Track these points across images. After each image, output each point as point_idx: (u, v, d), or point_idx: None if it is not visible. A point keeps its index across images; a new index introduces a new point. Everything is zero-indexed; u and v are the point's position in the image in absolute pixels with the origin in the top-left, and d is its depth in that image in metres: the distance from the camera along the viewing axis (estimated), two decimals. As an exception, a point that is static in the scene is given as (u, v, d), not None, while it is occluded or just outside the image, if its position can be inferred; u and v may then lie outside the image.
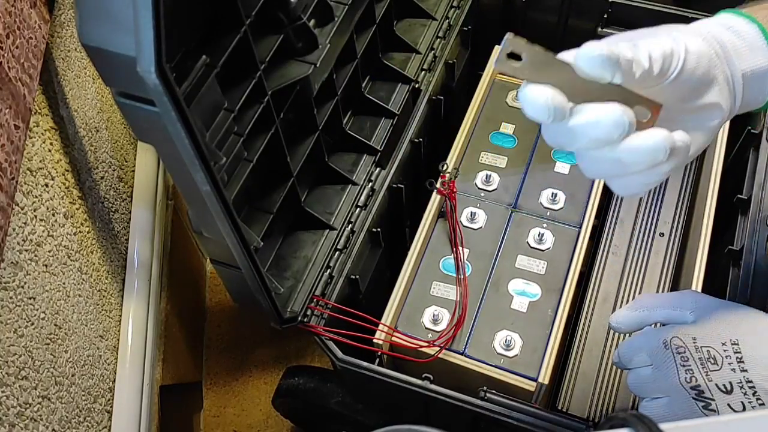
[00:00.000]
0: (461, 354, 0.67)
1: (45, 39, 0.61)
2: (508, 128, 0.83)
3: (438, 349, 0.67)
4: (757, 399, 0.46)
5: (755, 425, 0.31)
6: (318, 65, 0.63)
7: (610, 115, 0.38)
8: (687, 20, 0.81)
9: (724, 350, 0.48)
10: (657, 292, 0.76)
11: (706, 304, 0.52)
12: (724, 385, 0.47)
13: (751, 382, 0.46)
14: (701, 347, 0.48)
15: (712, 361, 0.48)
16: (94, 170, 0.75)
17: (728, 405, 0.47)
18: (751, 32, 0.44)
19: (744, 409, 0.47)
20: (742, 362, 0.47)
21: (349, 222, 0.74)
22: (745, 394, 0.47)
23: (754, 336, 0.48)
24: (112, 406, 0.76)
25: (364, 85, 0.81)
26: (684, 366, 0.48)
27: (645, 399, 0.52)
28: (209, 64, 0.49)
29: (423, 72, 0.84)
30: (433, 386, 0.62)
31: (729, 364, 0.47)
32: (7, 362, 0.55)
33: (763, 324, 0.48)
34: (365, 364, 0.64)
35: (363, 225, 0.75)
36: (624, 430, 0.32)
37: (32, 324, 0.59)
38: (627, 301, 0.76)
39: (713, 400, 0.48)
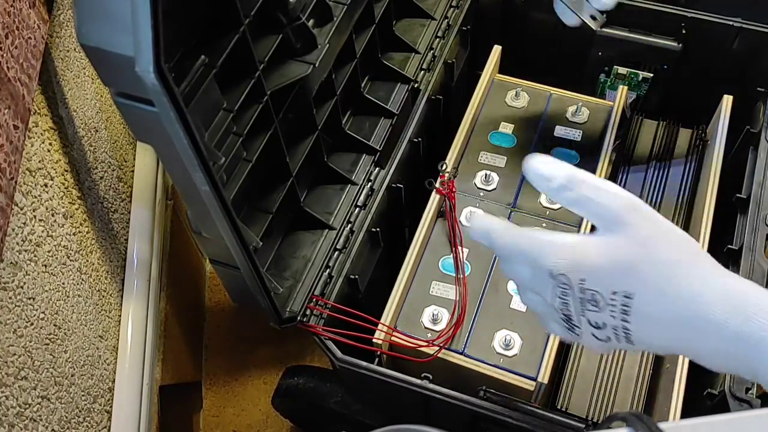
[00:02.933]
0: (461, 353, 0.67)
1: (44, 39, 0.61)
2: (507, 128, 0.83)
3: (437, 348, 0.67)
4: (627, 341, 0.45)
5: (755, 425, 0.31)
6: (317, 65, 0.63)
7: None
8: (685, 20, 0.81)
9: (612, 300, 0.44)
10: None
11: (627, 233, 0.45)
12: (596, 322, 0.45)
13: (628, 330, 0.44)
14: (586, 289, 0.45)
15: (593, 303, 0.45)
16: (94, 170, 0.75)
17: (592, 335, 0.46)
18: None
19: (608, 341, 0.46)
20: (626, 314, 0.44)
21: (349, 222, 0.74)
22: (616, 334, 0.45)
23: (654, 294, 0.43)
24: (111, 406, 0.76)
25: (363, 84, 0.81)
26: (561, 299, 0.46)
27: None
28: (208, 64, 0.49)
29: (422, 72, 0.84)
30: (432, 386, 0.62)
31: (611, 312, 0.44)
32: (6, 362, 0.55)
33: (675, 273, 0.43)
34: (365, 363, 0.64)
35: (362, 225, 0.75)
36: (623, 429, 0.32)
37: (31, 324, 0.59)
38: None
39: (579, 328, 0.46)
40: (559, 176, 0.44)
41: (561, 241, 0.45)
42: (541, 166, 0.45)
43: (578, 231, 0.73)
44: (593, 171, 0.78)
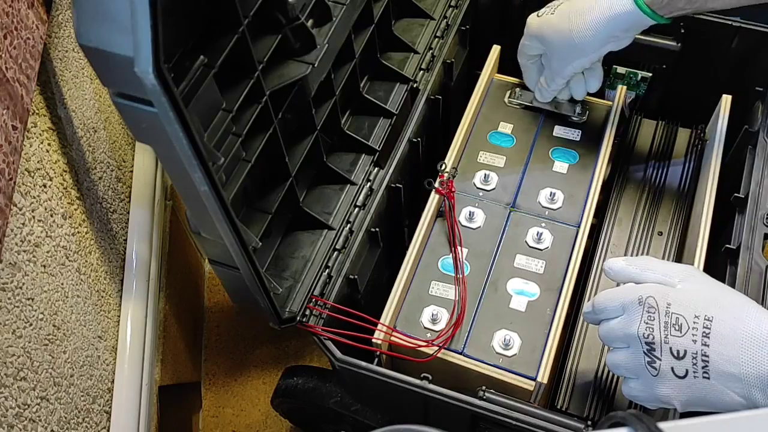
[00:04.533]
0: (460, 353, 0.67)
1: (43, 39, 0.61)
2: (506, 128, 0.83)
3: (437, 348, 0.67)
4: (704, 372, 0.49)
5: (755, 425, 0.31)
6: (316, 65, 0.63)
7: None
8: (684, 20, 0.81)
9: (694, 322, 0.50)
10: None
11: (700, 279, 0.54)
12: (678, 350, 0.50)
13: (707, 356, 0.49)
14: (672, 312, 0.51)
15: (677, 328, 0.51)
16: (92, 171, 0.74)
17: (671, 368, 0.51)
18: None
19: (685, 376, 0.50)
20: (707, 337, 0.49)
21: (348, 222, 0.74)
22: (694, 364, 0.50)
23: (732, 319, 0.50)
24: (110, 407, 0.76)
25: (362, 84, 0.81)
26: (647, 323, 0.52)
27: (610, 350, 0.57)
28: (207, 65, 0.49)
29: (421, 72, 0.84)
30: (431, 386, 0.62)
31: (693, 335, 0.50)
32: (5, 363, 0.55)
33: (747, 310, 0.50)
34: (364, 363, 0.64)
35: (361, 225, 0.75)
36: (623, 429, 0.32)
37: (30, 325, 0.59)
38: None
39: (660, 360, 0.51)
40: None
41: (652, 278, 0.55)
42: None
43: (577, 230, 0.73)
44: (593, 171, 0.78)
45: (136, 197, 0.85)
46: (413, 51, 0.85)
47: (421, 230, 0.73)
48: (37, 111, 0.62)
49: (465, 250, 0.74)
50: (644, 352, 0.52)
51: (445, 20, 0.87)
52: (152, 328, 0.84)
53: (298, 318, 0.67)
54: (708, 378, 0.49)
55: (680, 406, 0.52)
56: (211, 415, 1.12)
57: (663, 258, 0.77)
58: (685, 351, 0.50)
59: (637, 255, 0.78)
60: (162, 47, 0.39)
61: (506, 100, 0.85)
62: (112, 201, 0.79)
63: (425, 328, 0.70)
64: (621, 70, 0.89)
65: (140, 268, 0.82)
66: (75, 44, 0.71)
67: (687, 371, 0.50)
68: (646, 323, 0.52)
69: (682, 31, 0.82)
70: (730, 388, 0.49)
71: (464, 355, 0.67)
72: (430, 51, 0.86)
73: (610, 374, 0.71)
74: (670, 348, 0.51)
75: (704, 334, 0.50)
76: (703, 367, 0.49)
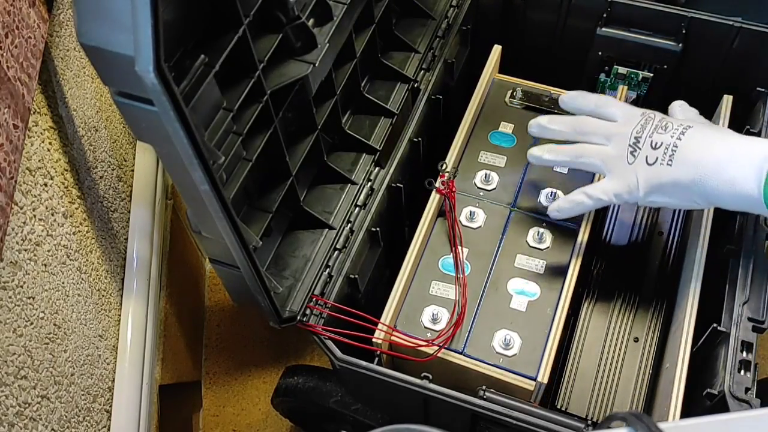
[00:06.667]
0: (460, 353, 0.67)
1: (44, 38, 0.61)
2: (507, 127, 0.83)
3: (437, 348, 0.67)
4: (668, 160, 0.61)
5: (755, 425, 0.31)
6: (317, 65, 0.63)
7: None
8: (684, 19, 0.81)
9: (678, 126, 0.63)
10: (657, 290, 0.76)
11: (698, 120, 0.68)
12: (656, 142, 0.62)
13: (676, 147, 0.61)
14: (664, 120, 0.64)
15: (663, 128, 0.63)
16: (93, 169, 0.75)
17: (645, 156, 0.63)
18: None
19: (654, 163, 0.62)
20: (683, 135, 0.62)
21: (348, 221, 0.74)
22: (665, 153, 0.62)
23: (710, 130, 0.62)
24: (111, 406, 0.76)
25: (363, 84, 0.81)
26: (642, 125, 0.64)
27: (582, 147, 0.68)
28: (208, 64, 0.49)
29: (422, 71, 0.84)
30: (432, 385, 0.62)
31: (672, 134, 0.62)
32: (6, 362, 0.55)
33: (727, 133, 0.62)
34: (364, 363, 0.64)
35: (362, 224, 0.75)
36: (623, 429, 0.32)
37: (31, 323, 0.59)
38: (626, 300, 0.76)
39: (640, 150, 0.63)
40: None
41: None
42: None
43: (577, 230, 0.73)
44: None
45: (137, 196, 0.85)
46: (414, 51, 0.85)
47: (421, 230, 0.73)
48: (38, 110, 0.62)
49: (465, 250, 0.74)
50: (629, 144, 0.64)
51: (446, 20, 0.87)
52: (153, 327, 0.84)
53: (298, 317, 0.67)
54: (670, 165, 0.61)
55: (642, 190, 0.63)
56: (211, 414, 1.12)
57: (663, 257, 0.77)
58: (662, 143, 0.62)
59: (637, 254, 0.78)
60: (163, 46, 0.39)
61: (507, 100, 0.85)
62: (113, 200, 0.79)
63: (425, 327, 0.70)
64: (622, 70, 0.89)
65: (141, 267, 0.82)
66: (76, 43, 0.71)
67: (657, 158, 0.62)
68: (641, 125, 0.64)
69: (684, 31, 0.82)
70: (683, 175, 0.60)
71: (464, 355, 0.67)
72: (431, 51, 0.86)
73: (610, 374, 0.71)
74: (652, 141, 0.63)
75: (681, 133, 0.62)
76: (670, 156, 0.61)
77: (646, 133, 0.63)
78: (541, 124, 0.72)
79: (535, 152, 0.72)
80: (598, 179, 0.74)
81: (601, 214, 0.80)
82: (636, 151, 0.63)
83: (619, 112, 0.67)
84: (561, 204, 0.70)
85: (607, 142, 0.66)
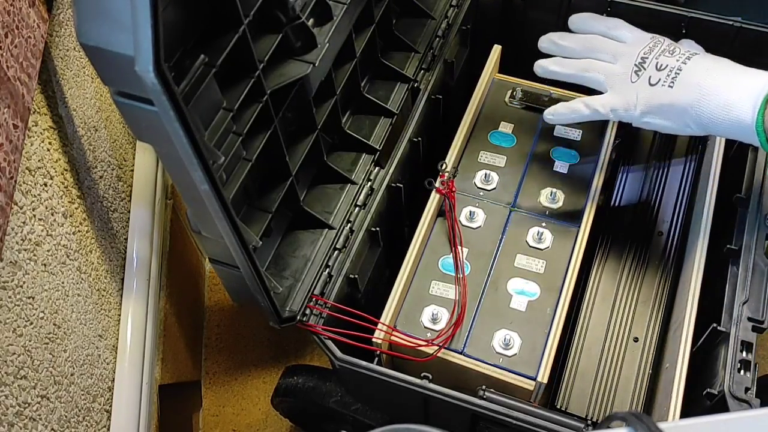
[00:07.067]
0: (460, 353, 0.67)
1: (44, 38, 0.61)
2: (507, 127, 0.83)
3: (437, 348, 0.67)
4: (670, 82, 0.63)
5: (755, 425, 0.31)
6: (317, 64, 0.63)
7: None
8: (684, 19, 0.81)
9: (686, 51, 0.65)
10: (657, 290, 0.76)
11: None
12: (661, 64, 0.64)
13: (680, 70, 0.63)
14: (673, 45, 0.66)
15: (670, 52, 0.65)
16: (93, 169, 0.75)
17: (649, 77, 0.64)
18: None
19: (656, 83, 0.64)
20: (689, 59, 0.64)
21: (348, 221, 0.74)
22: (668, 75, 0.63)
23: (712, 57, 0.65)
24: (111, 406, 0.76)
25: (363, 84, 0.81)
26: (650, 47, 0.66)
27: (588, 62, 0.70)
28: (207, 63, 0.49)
29: (422, 71, 0.84)
30: (432, 385, 0.62)
31: (678, 59, 0.64)
32: (6, 362, 0.55)
33: (732, 67, 0.63)
34: (364, 363, 0.64)
35: (362, 224, 0.75)
36: (623, 429, 0.32)
37: (31, 323, 0.59)
38: (626, 300, 0.76)
39: (645, 70, 0.65)
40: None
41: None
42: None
43: (577, 230, 0.73)
44: (593, 171, 0.78)
45: (136, 196, 0.85)
46: (414, 50, 0.85)
47: (421, 230, 0.73)
48: (38, 110, 0.62)
49: (465, 250, 0.74)
50: (636, 64, 0.66)
51: (446, 20, 0.87)
52: (152, 327, 0.84)
53: (298, 317, 0.67)
54: (671, 87, 0.63)
55: (639, 109, 0.64)
56: (211, 414, 1.12)
57: (663, 257, 0.77)
58: (666, 65, 0.64)
59: (637, 255, 0.78)
60: (162, 46, 0.39)
61: (507, 99, 0.85)
62: (112, 200, 0.79)
63: (425, 327, 0.70)
64: (622, 69, 0.89)
65: (141, 267, 0.82)
66: (76, 43, 0.71)
67: (659, 80, 0.64)
68: (650, 47, 0.66)
69: (683, 31, 0.82)
70: (681, 98, 0.62)
71: (464, 355, 0.67)
72: (431, 51, 0.85)
73: (610, 374, 0.71)
74: (657, 62, 0.65)
75: (687, 58, 0.64)
76: (672, 78, 0.63)
77: (653, 55, 0.65)
78: (552, 39, 0.73)
79: (543, 62, 0.72)
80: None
81: (601, 213, 0.80)
82: (641, 71, 0.65)
83: (629, 35, 0.69)
84: (558, 108, 0.72)
85: (615, 60, 0.68)
